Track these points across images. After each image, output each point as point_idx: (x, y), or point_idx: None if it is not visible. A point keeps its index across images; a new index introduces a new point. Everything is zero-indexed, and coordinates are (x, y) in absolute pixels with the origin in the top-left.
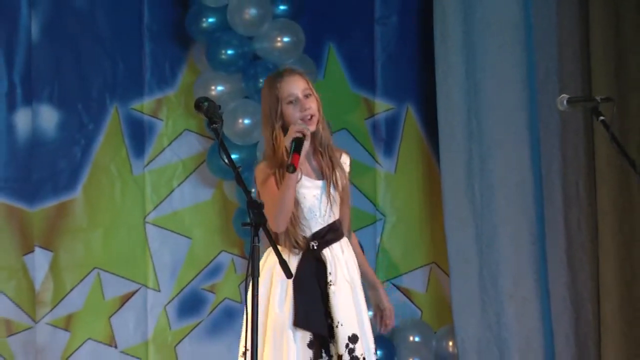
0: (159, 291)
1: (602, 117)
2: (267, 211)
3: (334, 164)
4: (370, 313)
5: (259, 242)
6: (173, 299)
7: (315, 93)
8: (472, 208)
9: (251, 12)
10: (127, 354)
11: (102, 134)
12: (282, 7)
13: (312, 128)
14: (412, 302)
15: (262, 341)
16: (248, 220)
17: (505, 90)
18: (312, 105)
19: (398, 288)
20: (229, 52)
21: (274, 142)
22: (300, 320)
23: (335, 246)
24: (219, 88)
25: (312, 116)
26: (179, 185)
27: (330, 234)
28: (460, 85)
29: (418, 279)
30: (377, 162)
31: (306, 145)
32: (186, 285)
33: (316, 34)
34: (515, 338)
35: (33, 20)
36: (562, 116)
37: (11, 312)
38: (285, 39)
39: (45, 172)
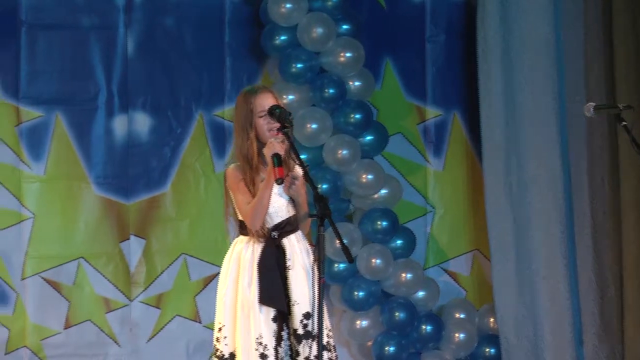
0: None
1: (624, 122)
2: (244, 211)
3: (290, 169)
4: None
5: (324, 231)
6: None
7: None
8: (510, 201)
9: (318, 31)
10: (210, 329)
11: (189, 137)
12: (345, 27)
13: (281, 150)
14: (458, 283)
15: (234, 317)
16: (314, 212)
17: (538, 99)
18: None
19: (445, 271)
20: (299, 65)
21: (248, 149)
22: (264, 299)
23: (292, 237)
24: (290, 97)
25: (278, 129)
26: None
27: (287, 226)
28: (500, 95)
29: (463, 264)
30: (427, 161)
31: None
32: None
33: (374, 50)
34: (548, 315)
35: (129, 38)
36: (587, 121)
37: (110, 292)
38: (348, 55)
39: (139, 170)
